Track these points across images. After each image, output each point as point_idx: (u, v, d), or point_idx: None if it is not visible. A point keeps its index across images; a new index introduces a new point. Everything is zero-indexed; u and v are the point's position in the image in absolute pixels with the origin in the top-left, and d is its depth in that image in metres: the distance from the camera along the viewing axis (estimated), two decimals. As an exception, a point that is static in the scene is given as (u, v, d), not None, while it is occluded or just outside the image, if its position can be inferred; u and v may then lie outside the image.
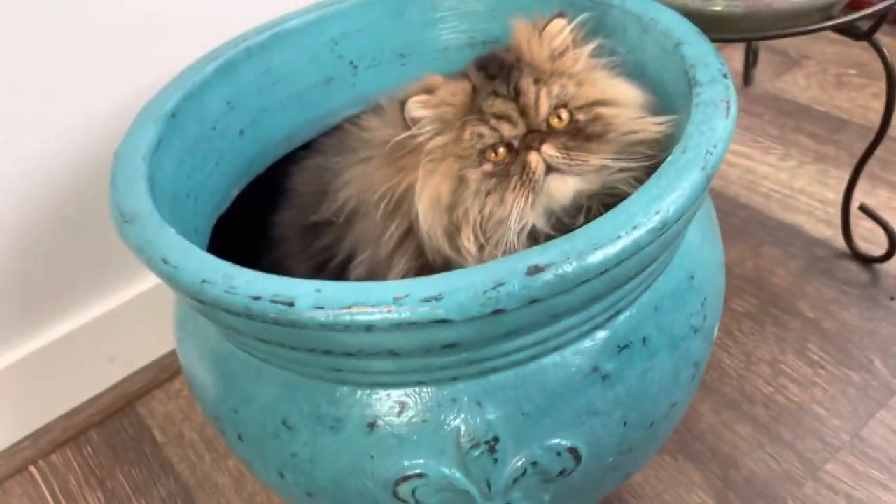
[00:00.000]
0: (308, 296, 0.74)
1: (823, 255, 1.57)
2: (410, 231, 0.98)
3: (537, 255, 0.74)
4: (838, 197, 1.64)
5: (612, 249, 0.75)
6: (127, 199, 0.91)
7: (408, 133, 0.97)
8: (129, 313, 1.47)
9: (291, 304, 0.74)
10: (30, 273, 1.36)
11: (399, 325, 0.73)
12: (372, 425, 0.86)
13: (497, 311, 0.73)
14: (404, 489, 0.88)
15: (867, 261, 1.55)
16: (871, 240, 1.58)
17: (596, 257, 0.74)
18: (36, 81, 1.25)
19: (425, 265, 0.98)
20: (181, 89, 1.09)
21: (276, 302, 0.74)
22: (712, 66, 0.96)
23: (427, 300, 0.72)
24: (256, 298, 0.75)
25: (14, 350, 1.40)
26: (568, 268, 0.73)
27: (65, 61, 1.26)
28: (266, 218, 1.20)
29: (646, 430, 0.95)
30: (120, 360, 1.51)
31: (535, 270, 0.73)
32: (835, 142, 1.85)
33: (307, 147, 1.25)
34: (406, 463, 0.87)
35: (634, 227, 0.76)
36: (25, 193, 1.31)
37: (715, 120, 0.87)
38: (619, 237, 0.75)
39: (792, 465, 1.26)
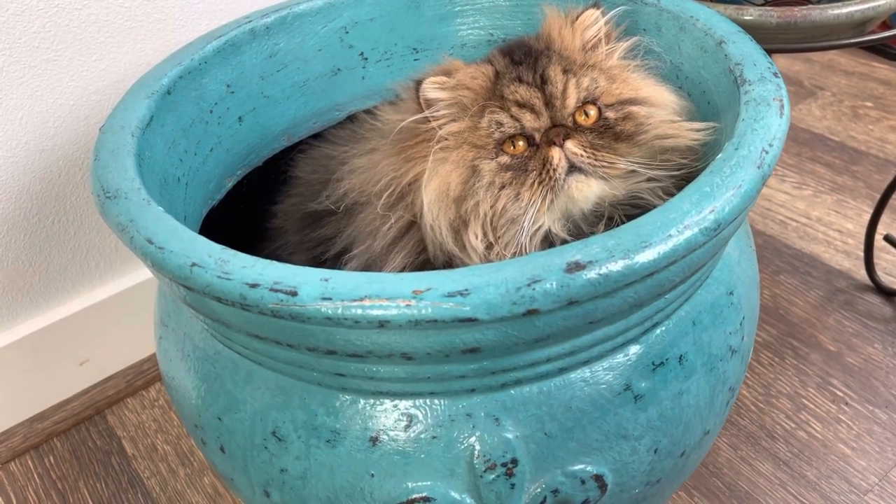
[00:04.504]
0: (314, 285, 0.66)
1: (844, 287, 1.51)
2: (412, 225, 0.91)
3: (577, 250, 0.66)
4: (857, 228, 1.64)
5: (662, 249, 0.67)
6: (110, 173, 0.84)
7: (420, 115, 0.91)
8: (105, 313, 1.40)
9: (294, 294, 0.66)
10: (2, 267, 1.28)
11: (417, 323, 0.65)
12: (374, 440, 0.78)
13: (530, 312, 0.65)
14: (407, 514, 0.80)
15: (890, 294, 1.48)
16: (893, 273, 1.50)
17: (645, 257, 0.66)
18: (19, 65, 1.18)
19: (425, 262, 0.91)
20: (178, 66, 1.02)
21: (277, 290, 0.66)
22: (760, 64, 0.90)
23: (451, 295, 0.64)
24: (254, 286, 0.67)
25: (-23, 347, 1.33)
26: (613, 267, 0.65)
27: (49, 39, 1.18)
28: (265, 210, 1.12)
29: (676, 459, 0.87)
30: (91, 363, 1.44)
31: (576, 268, 0.65)
32: (851, 172, 1.80)
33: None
34: (410, 485, 0.79)
35: (687, 226, 0.68)
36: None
37: (769, 118, 0.80)
38: (670, 236, 0.67)
39: (816, 507, 1.17)
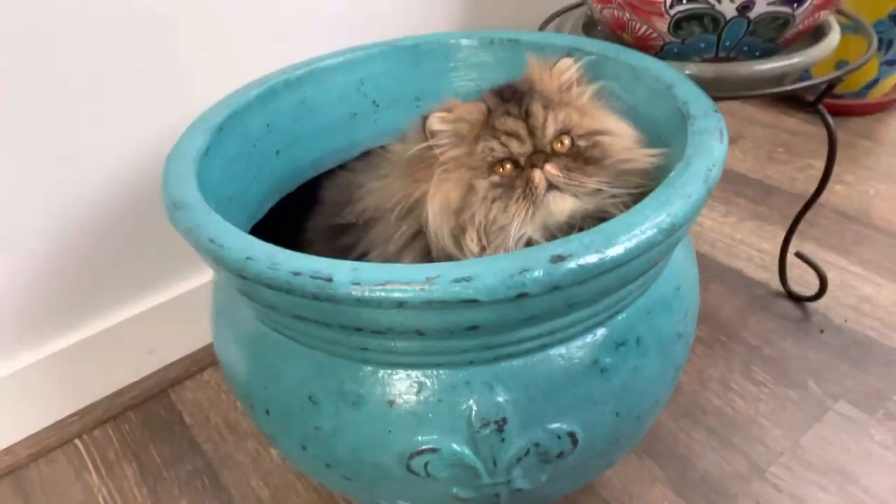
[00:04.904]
0: (346, 273, 0.67)
1: (762, 295, 1.51)
2: (419, 233, 0.90)
3: (559, 245, 0.67)
4: (773, 247, 1.64)
5: (628, 245, 0.68)
6: (177, 189, 0.84)
7: (425, 144, 0.90)
8: (167, 312, 1.40)
9: (330, 280, 0.66)
10: (85, 274, 1.29)
11: (430, 303, 0.65)
12: (391, 403, 0.78)
13: (521, 295, 0.65)
14: (417, 462, 0.80)
15: (799, 300, 1.49)
16: (800, 283, 1.52)
17: (615, 251, 0.67)
18: (94, 106, 1.18)
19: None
20: (228, 107, 1.02)
21: (316, 277, 0.67)
22: (703, 102, 0.91)
23: (458, 280, 0.64)
24: (297, 274, 0.68)
25: (67, 337, 1.33)
26: (591, 259, 0.66)
27: (122, 90, 1.19)
28: (297, 230, 1.11)
29: (633, 421, 0.87)
30: (157, 352, 1.44)
31: (559, 259, 0.65)
32: (768, 204, 1.80)
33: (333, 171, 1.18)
34: (420, 438, 0.79)
35: (648, 227, 0.69)
36: (84, 208, 1.24)
37: (711, 144, 0.81)
38: (634, 234, 0.68)
39: (741, 467, 1.18)
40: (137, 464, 1.29)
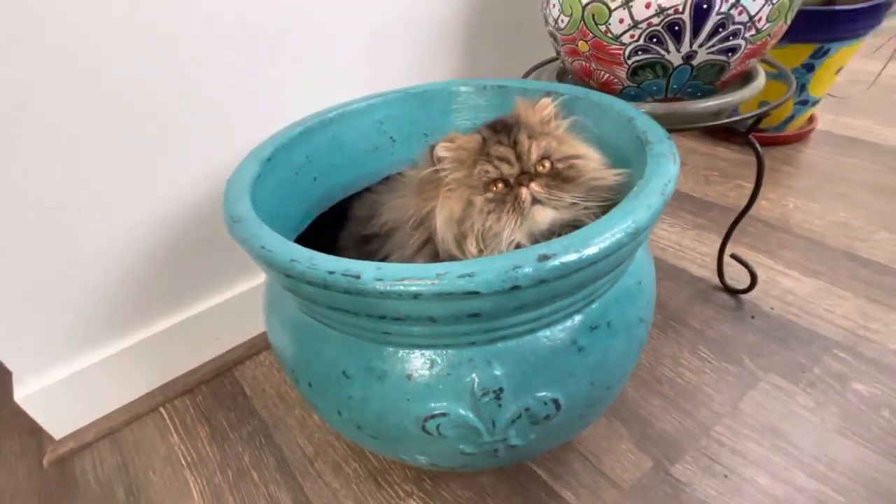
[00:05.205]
0: (371, 271, 0.65)
1: (704, 288, 1.48)
2: (429, 240, 0.89)
3: (544, 247, 0.66)
4: (712, 251, 1.60)
5: (601, 245, 0.67)
6: (236, 208, 0.82)
7: (432, 169, 0.89)
8: (230, 307, 1.38)
9: (358, 277, 0.65)
10: (166, 277, 1.28)
11: (439, 295, 0.64)
12: (409, 377, 0.77)
13: (514, 288, 0.64)
14: (430, 424, 0.79)
15: (734, 292, 1.46)
16: (735, 279, 1.49)
17: (590, 251, 0.66)
18: (171, 144, 1.16)
19: None
20: (276, 142, 1.00)
21: (347, 275, 0.66)
22: (659, 131, 0.89)
23: (462, 276, 0.63)
24: (331, 272, 0.66)
25: (152, 327, 1.31)
26: (570, 257, 0.65)
27: (193, 130, 1.17)
28: (332, 239, 1.09)
29: (605, 390, 0.85)
30: (223, 339, 1.42)
31: (544, 258, 0.64)
32: (706, 216, 1.77)
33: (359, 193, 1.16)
34: (433, 405, 0.78)
35: (617, 231, 0.68)
36: (162, 227, 1.22)
37: (667, 165, 0.79)
38: (606, 237, 0.67)
39: (691, 426, 1.15)
40: (209, 426, 1.28)
